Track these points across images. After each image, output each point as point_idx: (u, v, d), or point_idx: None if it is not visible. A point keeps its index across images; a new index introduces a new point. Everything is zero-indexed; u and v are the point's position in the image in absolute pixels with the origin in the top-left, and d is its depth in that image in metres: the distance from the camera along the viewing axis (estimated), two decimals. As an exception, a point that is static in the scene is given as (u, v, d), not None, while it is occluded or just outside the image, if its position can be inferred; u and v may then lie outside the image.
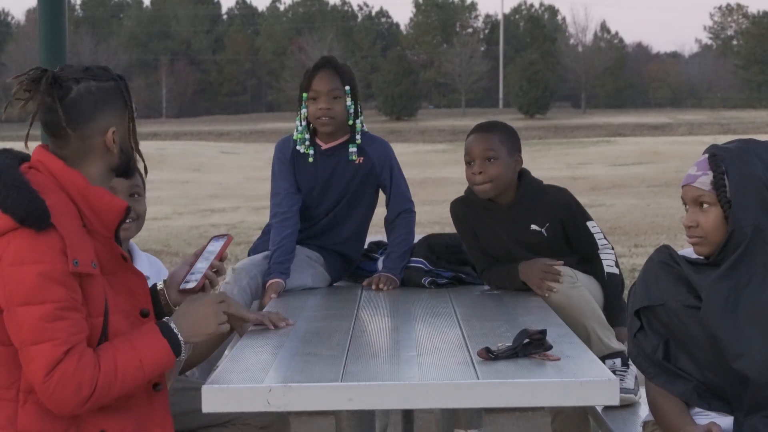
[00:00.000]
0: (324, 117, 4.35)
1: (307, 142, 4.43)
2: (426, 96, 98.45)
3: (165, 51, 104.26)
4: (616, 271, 4.13)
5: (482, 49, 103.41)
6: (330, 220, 4.50)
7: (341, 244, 4.51)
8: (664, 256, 3.18)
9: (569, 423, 4.29)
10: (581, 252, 4.17)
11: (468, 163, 4.16)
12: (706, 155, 3.12)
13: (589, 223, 4.16)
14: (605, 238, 4.19)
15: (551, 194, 4.20)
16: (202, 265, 3.12)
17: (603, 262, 4.12)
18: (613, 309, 4.07)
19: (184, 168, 38.92)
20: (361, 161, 4.45)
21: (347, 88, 4.41)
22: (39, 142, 2.96)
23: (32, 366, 2.57)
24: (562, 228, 4.15)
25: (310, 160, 4.43)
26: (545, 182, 4.31)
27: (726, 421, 3.03)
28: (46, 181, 2.71)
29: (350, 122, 4.44)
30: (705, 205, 3.08)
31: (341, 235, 4.51)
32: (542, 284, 3.96)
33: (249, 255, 4.52)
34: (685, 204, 3.16)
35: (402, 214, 4.52)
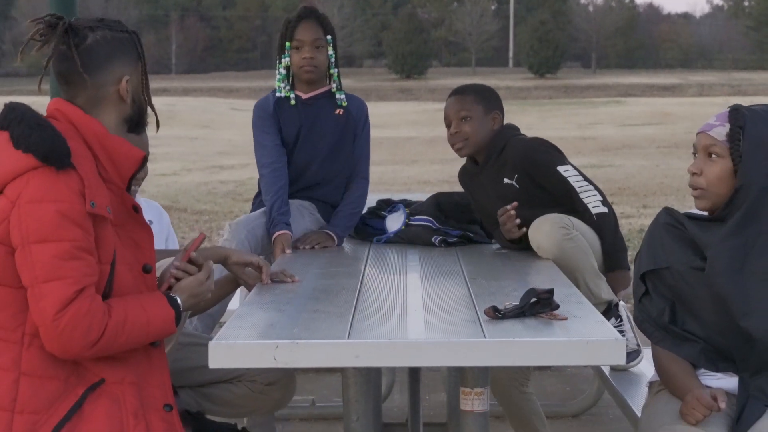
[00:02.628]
0: (308, 66, 4.44)
1: (288, 87, 4.52)
2: (436, 55, 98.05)
3: (175, 7, 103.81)
4: (604, 209, 3.97)
5: (493, 8, 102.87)
6: (315, 172, 4.56)
7: (329, 195, 4.60)
8: (669, 219, 3.18)
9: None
10: (563, 200, 4.04)
11: (447, 126, 4.27)
12: (728, 109, 3.12)
13: (560, 168, 4.05)
14: (585, 179, 4.05)
15: (515, 145, 4.18)
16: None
17: (588, 204, 3.97)
18: (611, 250, 3.96)
19: (194, 124, 38.87)
20: (341, 113, 4.54)
21: (329, 37, 4.50)
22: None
23: (42, 303, 2.57)
24: (531, 179, 4.11)
25: (293, 102, 4.51)
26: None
27: (733, 381, 3.04)
28: (65, 128, 2.72)
29: (330, 71, 4.54)
30: (714, 156, 3.09)
31: (329, 186, 4.59)
32: (508, 230, 4.01)
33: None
34: (694, 152, 3.16)
35: (358, 179, 4.61)
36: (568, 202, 4.02)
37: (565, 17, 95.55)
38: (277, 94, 4.53)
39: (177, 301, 2.82)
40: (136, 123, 2.91)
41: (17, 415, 2.61)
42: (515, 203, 4.00)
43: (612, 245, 3.97)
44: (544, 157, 4.11)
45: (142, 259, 2.86)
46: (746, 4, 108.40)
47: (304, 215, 4.45)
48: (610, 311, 3.85)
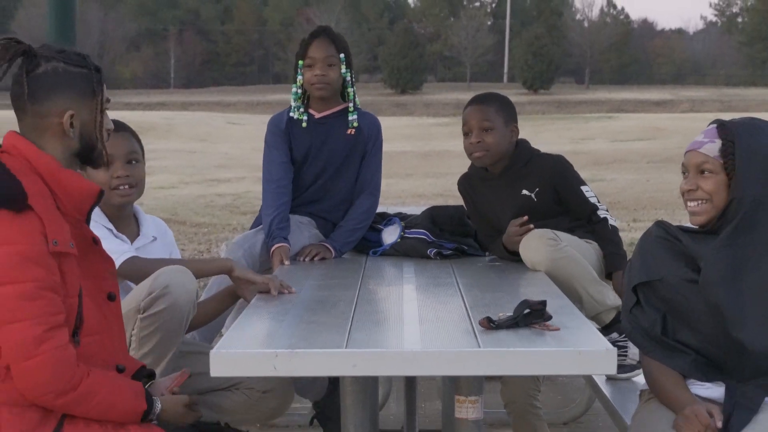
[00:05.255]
0: (319, 83, 4.45)
1: (301, 109, 4.53)
2: (431, 69, 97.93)
3: (173, 20, 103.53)
4: (616, 223, 4.25)
5: (489, 22, 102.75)
6: (319, 187, 4.58)
7: (328, 211, 4.60)
8: (661, 231, 3.20)
9: (517, 390, 4.30)
10: (580, 215, 4.24)
11: (466, 134, 4.31)
12: (715, 125, 3.15)
13: (583, 188, 4.25)
14: (600, 202, 4.28)
15: (543, 160, 4.31)
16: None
17: (606, 217, 4.21)
18: (616, 256, 4.14)
19: (191, 138, 38.80)
20: (352, 132, 4.54)
21: (342, 56, 4.49)
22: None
23: (9, 344, 2.59)
24: (554, 193, 4.23)
25: (304, 125, 4.52)
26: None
27: (721, 390, 3.05)
28: (19, 164, 2.71)
29: (347, 89, 4.54)
30: (706, 172, 3.09)
31: (329, 202, 4.60)
32: (515, 241, 4.07)
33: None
34: (684, 171, 3.17)
35: (365, 193, 4.61)
36: (584, 216, 4.24)
37: (560, 32, 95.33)
38: (291, 114, 4.55)
39: (153, 402, 2.84)
40: (87, 158, 2.88)
41: None
42: (526, 217, 4.11)
43: (617, 252, 4.17)
44: (571, 174, 4.28)
45: (106, 287, 2.88)
46: (739, 20, 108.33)
47: (302, 231, 4.46)
48: (617, 322, 3.88)
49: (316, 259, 4.32)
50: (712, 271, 3.03)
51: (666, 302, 3.13)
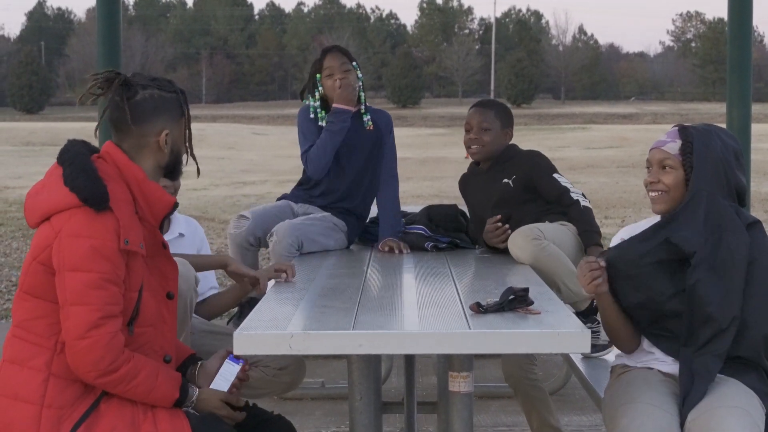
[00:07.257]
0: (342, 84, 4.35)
1: (324, 115, 4.44)
2: (428, 87, 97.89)
3: (205, 46, 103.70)
4: (589, 204, 4.17)
5: (477, 47, 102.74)
6: (351, 183, 4.48)
7: (360, 206, 4.51)
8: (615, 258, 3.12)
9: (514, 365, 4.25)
10: (551, 198, 4.16)
11: (467, 130, 4.34)
12: (677, 127, 3.15)
13: (555, 175, 4.20)
14: (573, 187, 4.21)
15: (522, 154, 4.32)
16: (223, 382, 2.95)
17: (579, 199, 4.13)
18: (590, 233, 4.07)
19: (220, 146, 38.77)
20: (371, 128, 4.49)
21: (354, 63, 4.45)
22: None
23: (68, 323, 2.60)
24: (528, 179, 4.19)
25: None
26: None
27: (669, 363, 3.02)
28: (110, 170, 2.74)
29: (360, 93, 4.48)
30: (667, 168, 3.11)
31: (360, 198, 4.50)
32: (491, 239, 4.06)
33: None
34: (649, 166, 3.17)
35: (389, 178, 4.55)
36: (557, 200, 4.15)
37: (539, 56, 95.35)
38: (319, 123, 4.42)
39: (188, 392, 2.80)
40: (171, 170, 2.91)
41: (45, 409, 2.62)
42: (499, 216, 4.05)
43: (591, 230, 4.08)
44: (545, 162, 4.26)
45: (167, 286, 2.88)
46: (693, 45, 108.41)
47: (331, 235, 4.32)
48: (591, 311, 3.84)
49: (396, 252, 4.18)
50: (700, 255, 2.97)
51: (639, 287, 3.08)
